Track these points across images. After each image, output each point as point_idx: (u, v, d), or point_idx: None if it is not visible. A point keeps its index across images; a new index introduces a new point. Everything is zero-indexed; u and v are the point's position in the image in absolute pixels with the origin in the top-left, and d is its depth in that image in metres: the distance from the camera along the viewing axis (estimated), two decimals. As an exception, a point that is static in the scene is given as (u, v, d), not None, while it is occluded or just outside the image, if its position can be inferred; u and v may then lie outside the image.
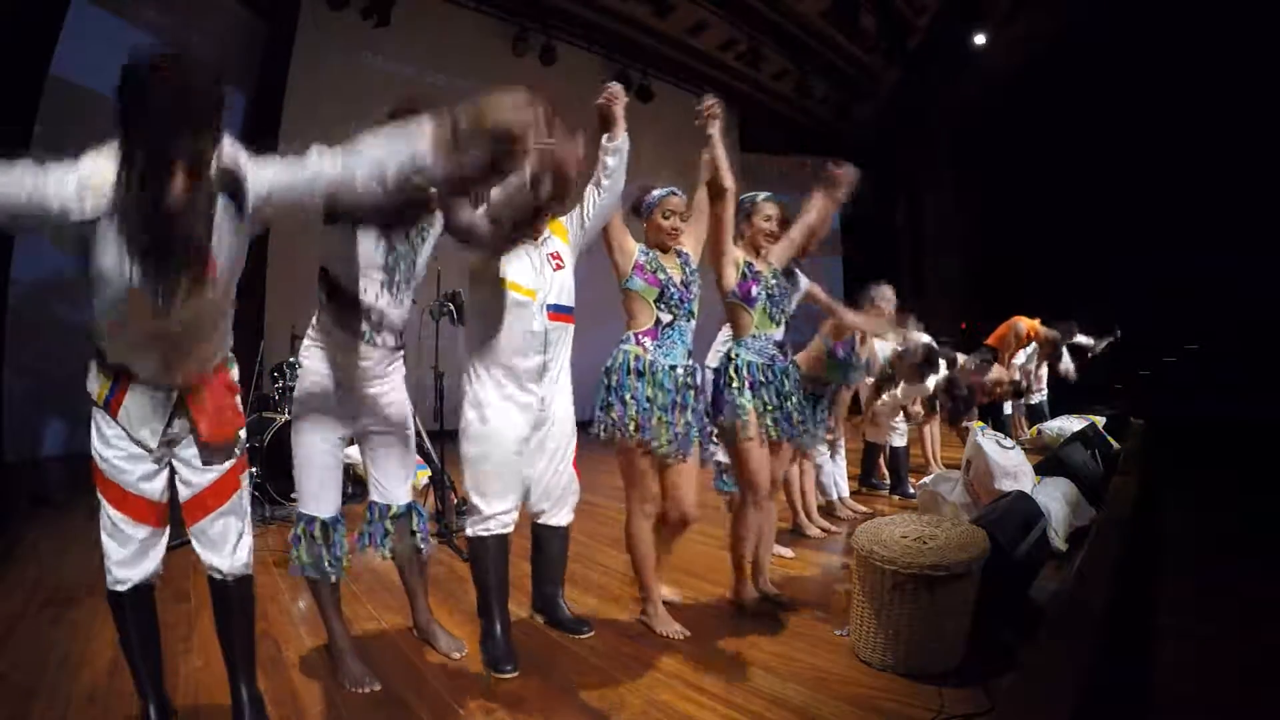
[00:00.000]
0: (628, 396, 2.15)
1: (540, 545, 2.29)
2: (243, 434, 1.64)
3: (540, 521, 2.26)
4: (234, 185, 1.27)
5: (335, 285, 1.82)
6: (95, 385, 1.47)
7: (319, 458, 1.89)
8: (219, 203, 1.26)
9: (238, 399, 1.60)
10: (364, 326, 1.84)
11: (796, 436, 2.45)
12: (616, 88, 2.08)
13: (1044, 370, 6.45)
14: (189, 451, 1.54)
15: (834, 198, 2.64)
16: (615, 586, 2.73)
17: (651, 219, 2.32)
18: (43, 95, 4.77)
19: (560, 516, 2.25)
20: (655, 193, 2.34)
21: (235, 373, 1.60)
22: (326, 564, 1.91)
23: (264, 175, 1.30)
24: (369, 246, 1.80)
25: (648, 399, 2.16)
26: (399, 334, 1.95)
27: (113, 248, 1.21)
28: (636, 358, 2.19)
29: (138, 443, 1.48)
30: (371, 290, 1.83)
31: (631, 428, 2.13)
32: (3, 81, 4.51)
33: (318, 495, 1.91)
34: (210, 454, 1.54)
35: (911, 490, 4.18)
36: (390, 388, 1.96)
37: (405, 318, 1.95)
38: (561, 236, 2.21)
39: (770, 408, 2.36)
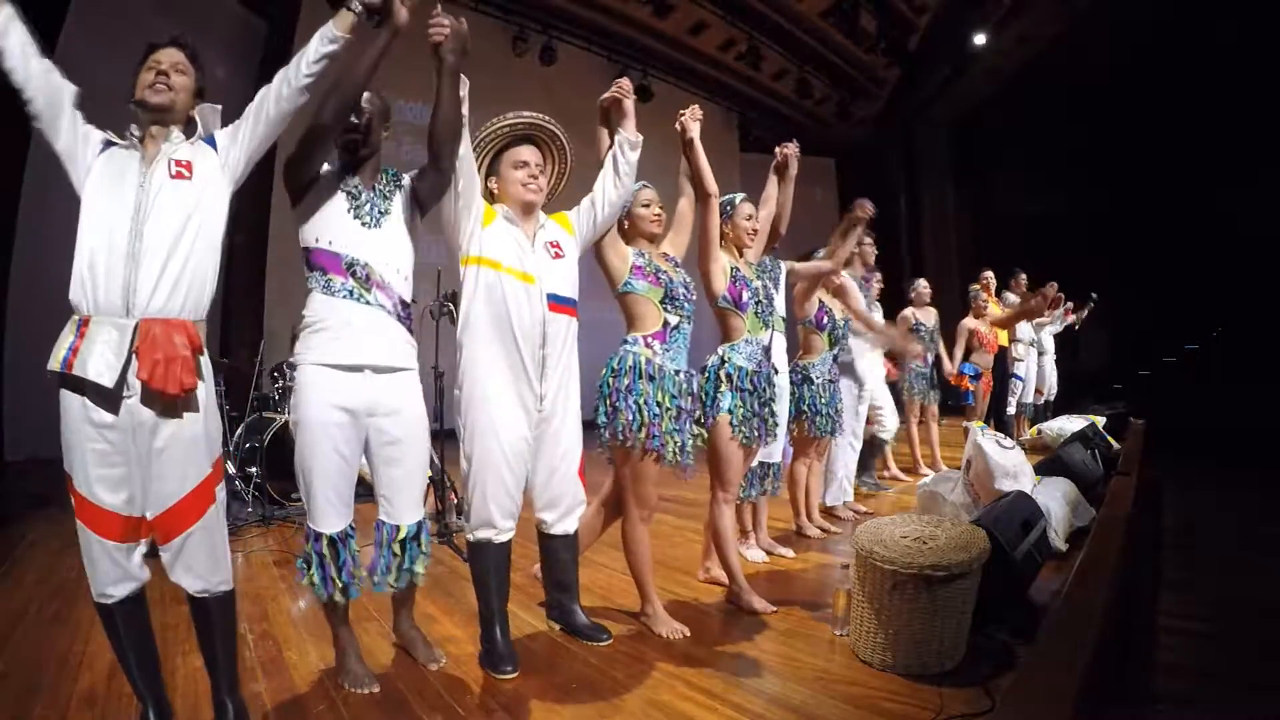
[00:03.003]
0: (640, 402, 2.12)
1: (548, 554, 2.24)
2: (216, 431, 1.58)
3: (545, 530, 2.20)
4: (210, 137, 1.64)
5: (315, 251, 1.81)
6: (56, 353, 1.44)
7: (325, 457, 1.78)
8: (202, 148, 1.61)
9: (201, 360, 1.52)
10: (350, 282, 1.79)
11: (768, 441, 2.56)
12: (626, 82, 2.19)
13: (1049, 370, 6.46)
14: (159, 467, 1.48)
15: (786, 179, 2.81)
16: (615, 587, 2.73)
17: (631, 212, 2.33)
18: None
19: (564, 525, 2.19)
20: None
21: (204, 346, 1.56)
22: (337, 588, 1.82)
23: (229, 127, 1.66)
24: (334, 203, 1.82)
25: (657, 404, 2.15)
26: (397, 300, 1.85)
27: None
28: (647, 361, 2.16)
29: (96, 394, 1.42)
30: (349, 241, 1.80)
31: (643, 435, 2.11)
32: (3, 81, 4.51)
33: (325, 511, 1.80)
34: (154, 405, 1.46)
35: (875, 480, 4.45)
36: (403, 389, 1.87)
37: (395, 277, 1.86)
38: (564, 225, 2.18)
39: (751, 414, 2.42)
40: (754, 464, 2.79)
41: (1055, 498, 3.07)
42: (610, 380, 2.16)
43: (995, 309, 5.61)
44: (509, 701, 1.81)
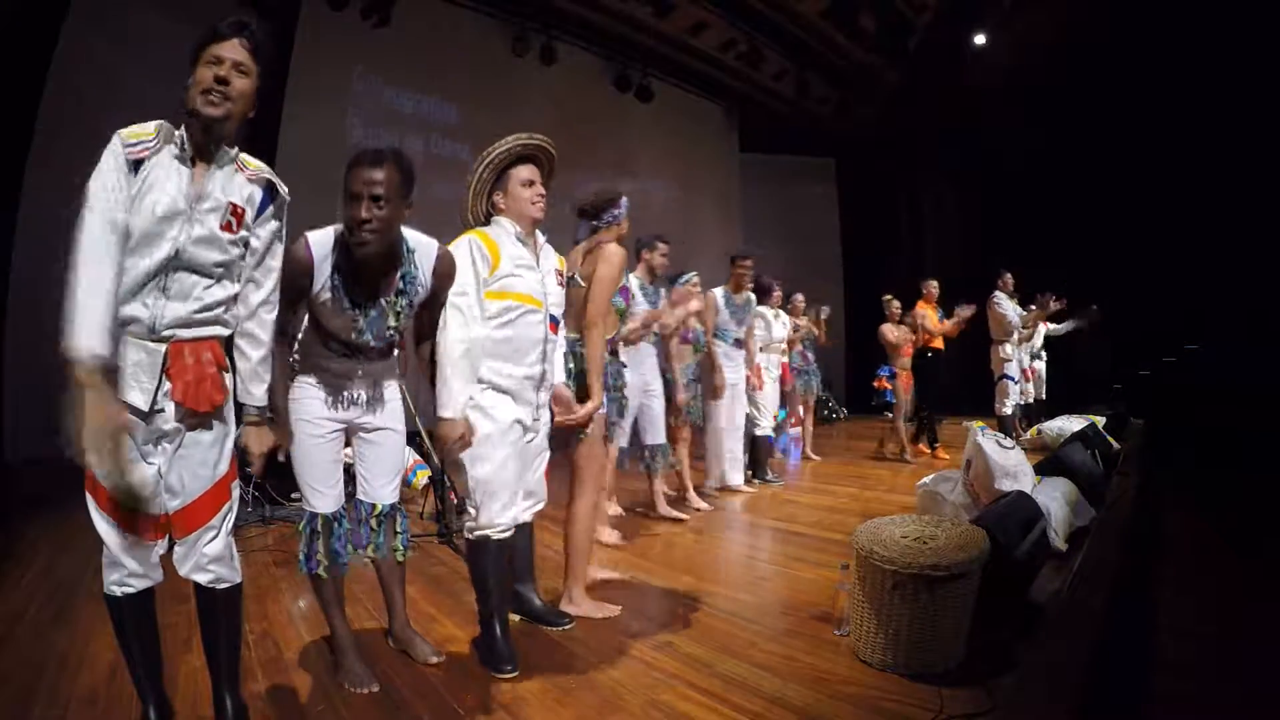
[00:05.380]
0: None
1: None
2: (233, 431, 1.61)
3: None
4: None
5: (313, 319, 1.85)
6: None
7: (315, 452, 1.87)
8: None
9: (226, 376, 1.56)
10: (344, 349, 1.86)
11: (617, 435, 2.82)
12: None
13: (1039, 367, 6.50)
14: (180, 465, 1.51)
15: None
16: (612, 587, 2.73)
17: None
18: (43, 96, 4.78)
19: (526, 515, 2.26)
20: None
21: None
22: (323, 561, 1.88)
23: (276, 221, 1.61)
24: (337, 322, 1.80)
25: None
26: (385, 347, 1.93)
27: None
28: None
29: (129, 410, 1.43)
30: (344, 336, 1.84)
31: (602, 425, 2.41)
32: (3, 81, 4.51)
33: (318, 491, 1.89)
34: (187, 420, 1.50)
35: (770, 475, 4.89)
36: (383, 381, 1.95)
37: (393, 339, 1.93)
38: (561, 264, 2.30)
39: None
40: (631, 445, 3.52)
41: (1055, 498, 3.07)
42: (569, 385, 2.36)
43: (932, 315, 5.92)
44: (509, 701, 1.81)
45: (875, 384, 5.91)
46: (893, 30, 8.61)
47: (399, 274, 1.83)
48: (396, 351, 2.00)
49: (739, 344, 4.51)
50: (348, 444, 1.97)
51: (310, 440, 1.86)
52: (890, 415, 5.99)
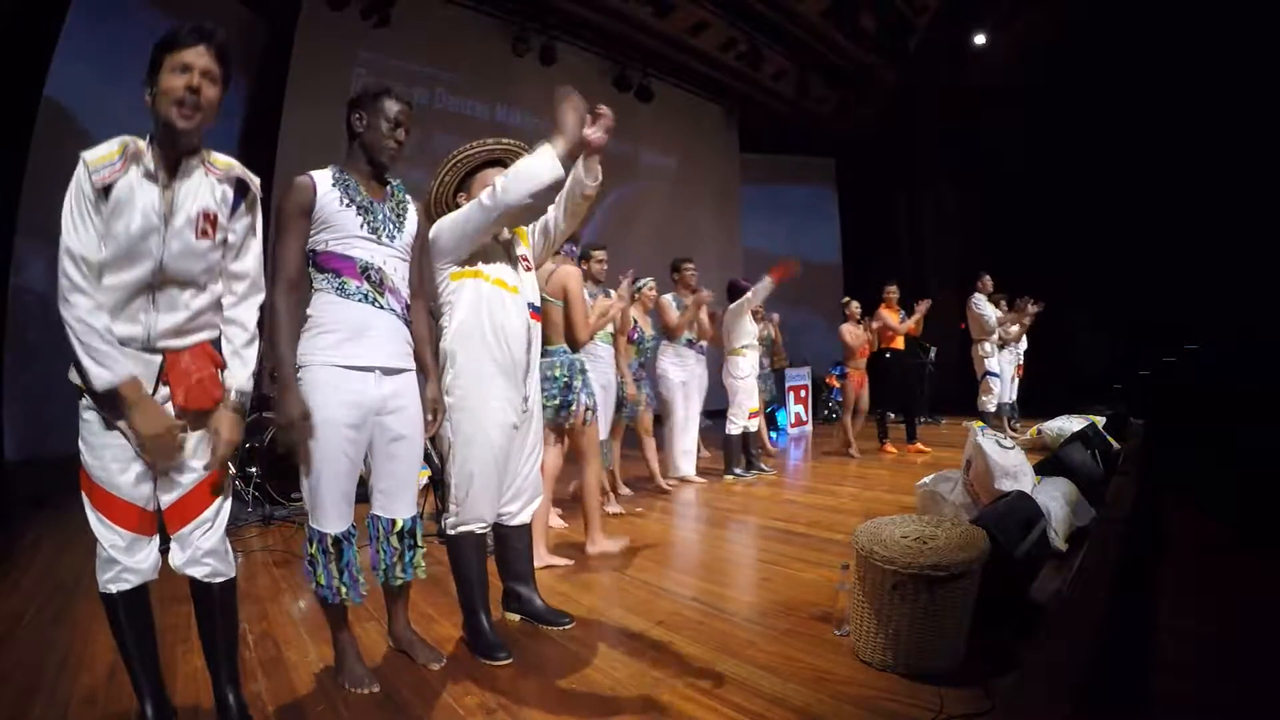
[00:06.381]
0: (587, 391, 2.96)
1: (505, 544, 2.31)
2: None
3: (506, 523, 2.27)
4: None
5: (326, 254, 1.81)
6: (81, 372, 1.44)
7: (330, 464, 1.79)
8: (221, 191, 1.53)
9: (221, 374, 1.57)
10: (364, 286, 1.81)
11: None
12: (610, 118, 1.96)
13: (1012, 366, 6.55)
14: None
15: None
16: (612, 586, 2.73)
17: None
18: (42, 97, 4.78)
19: (523, 516, 2.29)
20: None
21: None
22: (342, 586, 1.85)
23: (250, 214, 1.60)
24: (346, 215, 1.81)
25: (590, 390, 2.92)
26: (404, 304, 1.90)
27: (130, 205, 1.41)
28: (582, 362, 2.98)
29: (124, 430, 1.46)
30: (363, 249, 1.82)
31: (589, 415, 2.95)
32: (3, 81, 4.52)
33: (329, 506, 1.82)
34: (189, 422, 1.51)
35: (737, 470, 5.07)
36: (407, 387, 1.90)
37: (405, 281, 1.92)
38: (524, 241, 2.28)
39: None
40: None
41: (1055, 498, 3.07)
42: (563, 379, 2.90)
43: (894, 316, 6.10)
44: (509, 701, 1.81)
45: (826, 380, 6.20)
46: (893, 30, 8.62)
47: (388, 187, 1.92)
48: (409, 344, 1.93)
49: (690, 344, 4.87)
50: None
51: (328, 446, 1.78)
52: (869, 414, 6.19)
